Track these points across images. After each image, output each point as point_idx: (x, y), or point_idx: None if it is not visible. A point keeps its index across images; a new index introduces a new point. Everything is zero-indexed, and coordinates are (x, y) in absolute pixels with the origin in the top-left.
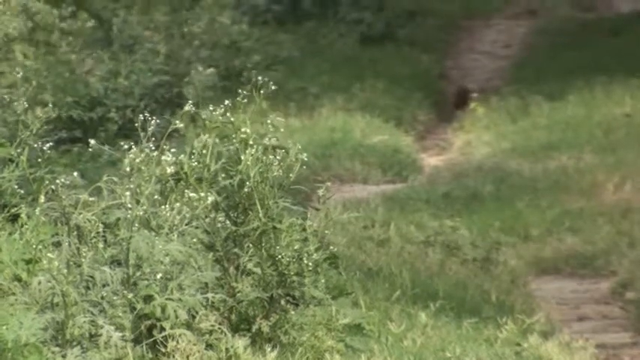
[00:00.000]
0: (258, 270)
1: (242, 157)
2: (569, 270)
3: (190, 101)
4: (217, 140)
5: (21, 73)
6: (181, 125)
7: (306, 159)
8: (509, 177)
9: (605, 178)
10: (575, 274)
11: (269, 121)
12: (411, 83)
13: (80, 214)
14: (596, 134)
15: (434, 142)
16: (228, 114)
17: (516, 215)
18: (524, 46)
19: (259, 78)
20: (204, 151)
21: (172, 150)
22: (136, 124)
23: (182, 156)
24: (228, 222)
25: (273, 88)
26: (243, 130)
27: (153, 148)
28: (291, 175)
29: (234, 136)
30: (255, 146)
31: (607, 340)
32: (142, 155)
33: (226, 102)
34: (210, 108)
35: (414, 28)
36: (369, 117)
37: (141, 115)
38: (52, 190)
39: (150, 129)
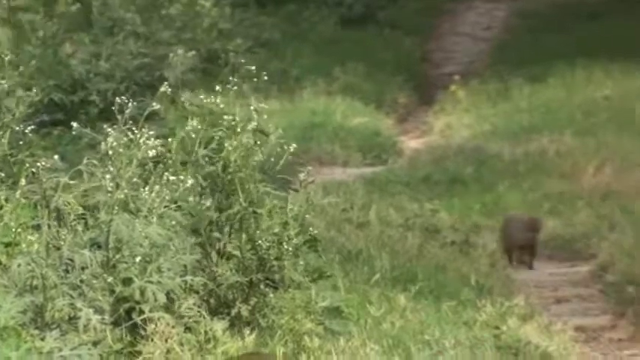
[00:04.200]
0: (238, 253)
1: (226, 145)
2: (548, 253)
3: (167, 83)
4: (197, 124)
5: (9, 56)
6: (160, 107)
7: (292, 149)
8: (489, 160)
9: (586, 161)
10: (555, 256)
11: (252, 107)
12: (393, 66)
13: (60, 196)
14: (576, 117)
15: (414, 124)
16: (207, 97)
17: (497, 198)
18: (505, 28)
19: (240, 61)
20: (183, 135)
21: (151, 132)
22: (113, 108)
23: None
24: (208, 203)
25: (253, 70)
26: (226, 117)
27: (134, 130)
28: (272, 159)
29: (220, 121)
30: (235, 130)
31: (586, 322)
32: (123, 138)
33: (206, 85)
34: (189, 92)
35: (396, 11)
36: (350, 100)
37: (118, 98)
38: (33, 173)
39: (127, 111)
